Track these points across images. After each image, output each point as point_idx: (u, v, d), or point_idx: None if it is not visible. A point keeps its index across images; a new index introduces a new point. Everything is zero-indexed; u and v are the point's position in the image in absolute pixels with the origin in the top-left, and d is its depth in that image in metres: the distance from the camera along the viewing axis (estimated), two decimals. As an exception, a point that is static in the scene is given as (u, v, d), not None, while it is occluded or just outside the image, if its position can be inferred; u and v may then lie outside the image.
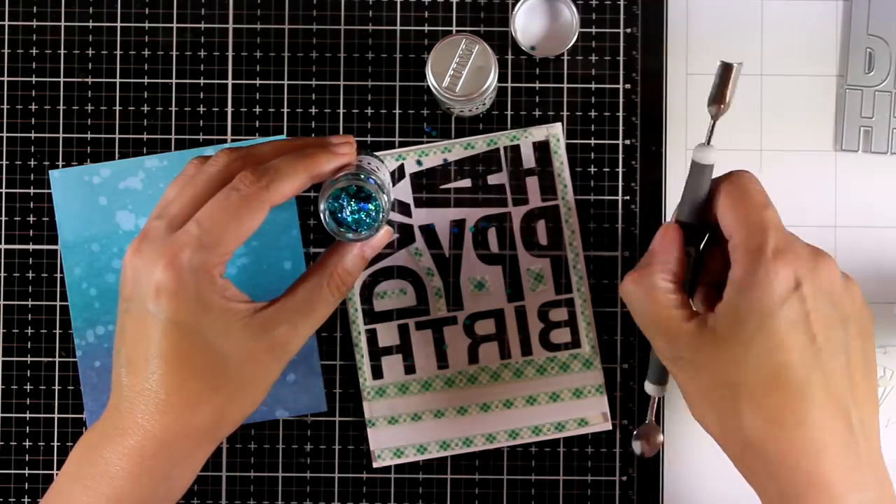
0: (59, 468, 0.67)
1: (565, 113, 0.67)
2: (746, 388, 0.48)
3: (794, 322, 0.48)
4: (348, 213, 0.55)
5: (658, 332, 0.52)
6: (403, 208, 0.67)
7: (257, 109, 0.68)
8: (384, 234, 0.58)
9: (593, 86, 0.68)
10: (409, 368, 0.67)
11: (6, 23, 0.68)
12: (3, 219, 0.67)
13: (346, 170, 0.56)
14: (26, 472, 0.67)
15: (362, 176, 0.54)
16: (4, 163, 0.67)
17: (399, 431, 0.67)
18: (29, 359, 0.67)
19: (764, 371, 0.48)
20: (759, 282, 0.48)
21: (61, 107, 0.68)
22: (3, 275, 0.67)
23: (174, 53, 0.68)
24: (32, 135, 0.67)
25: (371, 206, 0.55)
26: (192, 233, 0.52)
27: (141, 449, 0.52)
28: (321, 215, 0.54)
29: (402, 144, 0.67)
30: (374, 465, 0.67)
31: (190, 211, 0.53)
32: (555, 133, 0.67)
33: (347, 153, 0.57)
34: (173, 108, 0.67)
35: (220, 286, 0.53)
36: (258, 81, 0.68)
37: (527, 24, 0.67)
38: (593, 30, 0.67)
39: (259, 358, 0.54)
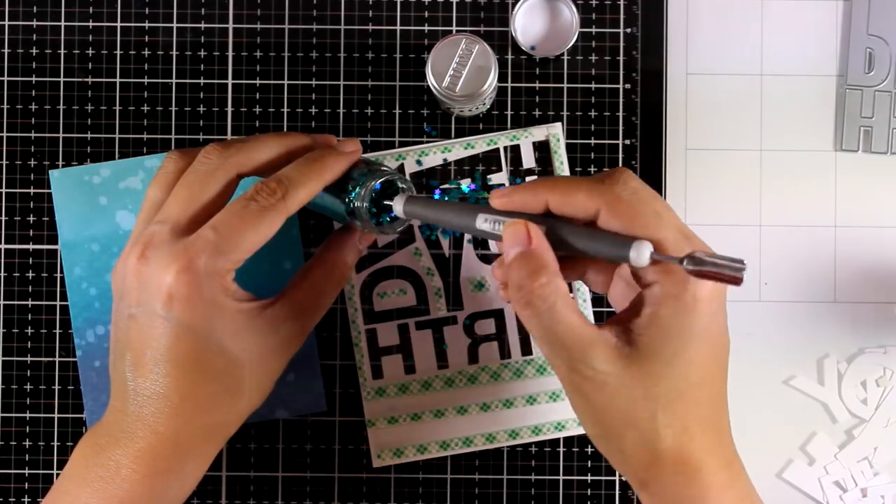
0: (59, 468, 0.67)
1: (565, 113, 0.67)
2: (664, 401, 0.49)
3: (709, 339, 0.50)
4: (377, 204, 0.57)
5: (566, 344, 0.49)
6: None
7: (257, 109, 0.68)
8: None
9: (593, 86, 0.68)
10: (409, 368, 0.67)
11: (6, 23, 0.68)
12: (3, 219, 0.67)
13: (357, 168, 0.57)
14: (26, 471, 0.67)
15: (396, 174, 0.56)
16: (4, 163, 0.67)
17: (399, 431, 0.67)
18: (29, 359, 0.67)
19: (680, 385, 0.49)
20: (688, 303, 0.49)
21: (61, 107, 0.68)
22: (3, 275, 0.67)
23: (174, 53, 0.68)
24: (32, 135, 0.67)
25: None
26: (208, 238, 0.51)
27: (154, 451, 0.52)
28: (357, 210, 0.56)
29: (402, 144, 0.67)
30: (374, 465, 0.67)
31: (193, 214, 0.53)
32: (555, 133, 0.67)
33: (355, 151, 0.57)
34: (173, 108, 0.67)
35: (231, 290, 0.53)
36: (258, 81, 0.68)
37: (527, 24, 0.67)
38: (593, 30, 0.67)
39: (268, 355, 0.54)
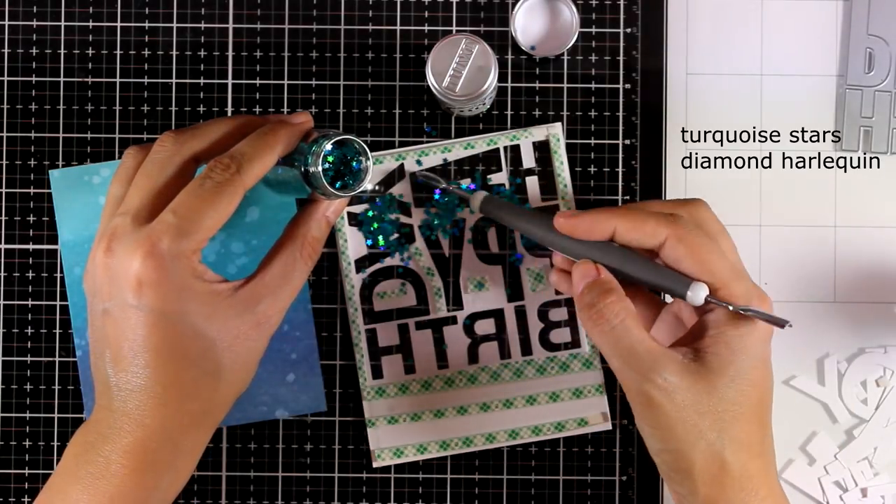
0: (59, 468, 0.67)
1: (565, 113, 0.67)
2: (729, 416, 0.52)
3: (765, 362, 0.54)
4: (336, 171, 0.57)
5: (639, 355, 0.53)
6: (403, 208, 0.67)
7: (257, 109, 0.68)
8: (346, 199, 0.59)
9: (593, 86, 0.68)
10: (409, 368, 0.67)
11: (6, 23, 0.68)
12: (3, 219, 0.67)
13: (310, 137, 0.57)
14: (26, 471, 0.67)
15: (349, 136, 0.57)
16: (4, 163, 0.67)
17: (399, 431, 0.67)
18: (29, 359, 0.67)
19: (742, 403, 0.53)
20: (751, 325, 0.53)
21: (61, 107, 0.68)
22: (3, 275, 0.67)
23: (174, 53, 0.68)
24: (32, 135, 0.67)
25: (361, 160, 0.57)
26: (169, 221, 0.52)
27: (142, 444, 0.52)
28: (313, 178, 0.56)
29: (402, 144, 0.67)
30: (374, 464, 0.67)
31: (153, 201, 0.53)
32: (555, 133, 0.67)
33: (305, 121, 0.58)
34: (173, 108, 0.68)
35: (199, 271, 0.53)
36: (258, 81, 0.68)
37: (527, 24, 0.67)
38: (593, 30, 0.67)
39: (246, 335, 0.54)
